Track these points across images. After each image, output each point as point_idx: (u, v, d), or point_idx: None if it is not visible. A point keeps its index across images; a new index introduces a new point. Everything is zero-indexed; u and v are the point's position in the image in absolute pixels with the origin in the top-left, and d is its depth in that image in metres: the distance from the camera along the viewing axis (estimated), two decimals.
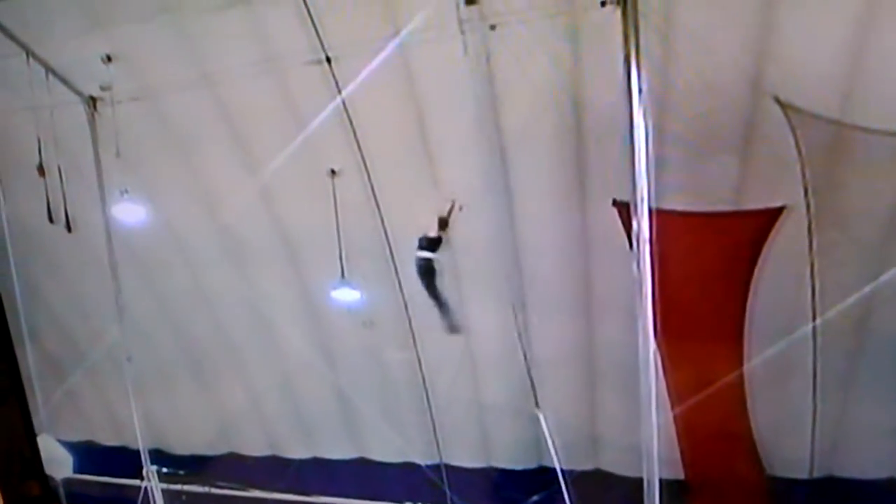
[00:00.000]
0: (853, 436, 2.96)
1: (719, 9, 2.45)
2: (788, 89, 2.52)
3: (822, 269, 2.76)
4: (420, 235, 3.07)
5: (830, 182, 2.64)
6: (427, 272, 3.11)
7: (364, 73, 2.89)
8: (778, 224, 2.72)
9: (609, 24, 2.58)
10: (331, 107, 2.94)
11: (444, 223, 3.05)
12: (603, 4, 2.60)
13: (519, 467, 3.37)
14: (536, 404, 3.21)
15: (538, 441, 3.28)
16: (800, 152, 2.65)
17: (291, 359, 3.49)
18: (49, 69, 3.14)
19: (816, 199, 2.68)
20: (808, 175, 2.68)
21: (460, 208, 3.01)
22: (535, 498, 3.28)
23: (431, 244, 3.08)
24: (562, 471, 3.15)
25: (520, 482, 3.36)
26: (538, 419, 3.20)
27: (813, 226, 2.72)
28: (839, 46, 2.39)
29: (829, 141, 2.58)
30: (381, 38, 2.76)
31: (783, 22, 2.41)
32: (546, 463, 3.26)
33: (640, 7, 2.55)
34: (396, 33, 2.78)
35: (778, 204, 2.70)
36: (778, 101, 2.57)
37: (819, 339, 2.85)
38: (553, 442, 3.21)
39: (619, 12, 2.59)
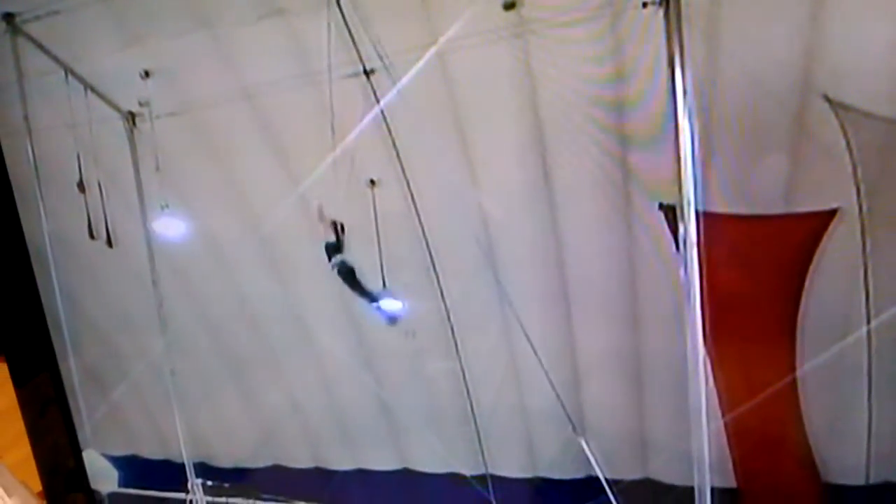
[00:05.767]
0: None
1: (765, 5, 2.37)
2: (838, 87, 2.41)
3: (875, 272, 2.67)
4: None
5: (884, 183, 2.56)
6: (347, 274, 3.01)
7: (402, 83, 2.87)
8: (831, 227, 2.65)
9: (652, 24, 2.54)
10: (369, 117, 2.93)
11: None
12: (644, 6, 2.55)
13: (567, 477, 3.33)
14: (574, 430, 3.15)
15: (586, 451, 3.23)
16: (851, 152, 2.55)
17: (334, 370, 3.41)
18: (88, 86, 3.12)
19: (870, 201, 2.59)
20: (860, 176, 2.59)
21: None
22: None
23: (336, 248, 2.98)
24: (609, 481, 3.11)
25: (567, 492, 3.31)
26: (583, 428, 3.15)
27: (866, 227, 2.65)
28: (891, 42, 2.31)
29: (881, 140, 2.48)
30: (419, 46, 2.77)
31: (832, 17, 2.29)
32: (594, 473, 3.21)
33: (683, 7, 2.51)
34: (434, 42, 2.76)
35: (831, 206, 2.62)
36: (827, 99, 2.49)
37: (874, 341, 2.77)
38: (597, 461, 3.16)
39: (661, 13, 2.55)
